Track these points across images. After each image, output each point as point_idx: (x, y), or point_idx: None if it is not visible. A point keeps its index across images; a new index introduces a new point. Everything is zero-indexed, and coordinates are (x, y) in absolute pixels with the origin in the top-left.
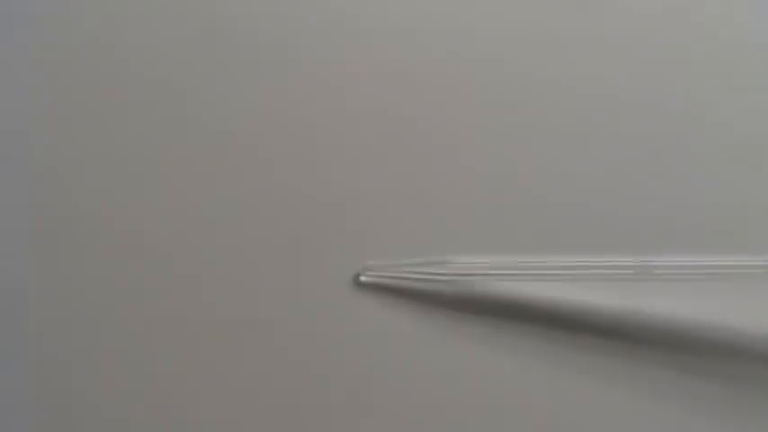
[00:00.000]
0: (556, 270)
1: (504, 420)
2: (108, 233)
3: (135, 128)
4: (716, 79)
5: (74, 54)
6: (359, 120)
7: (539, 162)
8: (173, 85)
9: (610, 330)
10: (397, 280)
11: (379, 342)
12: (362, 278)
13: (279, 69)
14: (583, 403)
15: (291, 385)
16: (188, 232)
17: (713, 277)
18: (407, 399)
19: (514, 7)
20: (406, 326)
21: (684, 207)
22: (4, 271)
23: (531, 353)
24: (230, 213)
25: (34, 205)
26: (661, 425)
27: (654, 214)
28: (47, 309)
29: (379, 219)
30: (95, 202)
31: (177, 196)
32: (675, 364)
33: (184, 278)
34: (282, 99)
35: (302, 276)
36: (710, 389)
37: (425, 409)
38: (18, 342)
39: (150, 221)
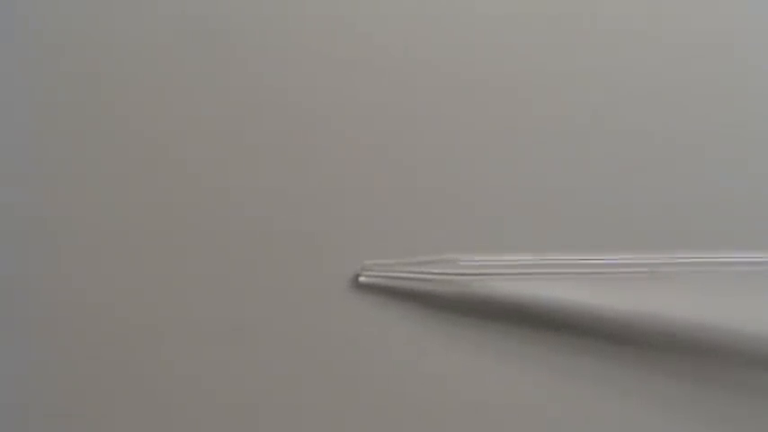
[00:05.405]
0: (563, 269)
1: (505, 425)
2: (97, 230)
3: (129, 124)
4: (731, 74)
5: (72, 53)
6: (358, 115)
7: (545, 157)
8: (169, 81)
9: (621, 334)
10: (398, 280)
11: (379, 344)
12: (362, 278)
13: (277, 63)
14: (588, 410)
15: (288, 389)
16: (183, 232)
17: (736, 277)
18: (408, 402)
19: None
20: (408, 327)
21: (701, 204)
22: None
23: (536, 356)
24: (224, 210)
25: (29, 204)
26: None
27: (667, 212)
28: (37, 308)
29: (376, 218)
30: (84, 198)
31: (172, 195)
32: (690, 371)
33: (178, 279)
34: (279, 94)
35: (300, 277)
36: (728, 398)
37: (426, 412)
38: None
39: (143, 220)
